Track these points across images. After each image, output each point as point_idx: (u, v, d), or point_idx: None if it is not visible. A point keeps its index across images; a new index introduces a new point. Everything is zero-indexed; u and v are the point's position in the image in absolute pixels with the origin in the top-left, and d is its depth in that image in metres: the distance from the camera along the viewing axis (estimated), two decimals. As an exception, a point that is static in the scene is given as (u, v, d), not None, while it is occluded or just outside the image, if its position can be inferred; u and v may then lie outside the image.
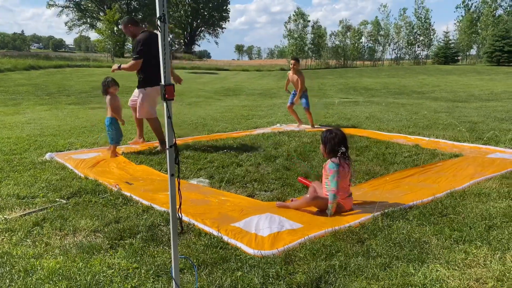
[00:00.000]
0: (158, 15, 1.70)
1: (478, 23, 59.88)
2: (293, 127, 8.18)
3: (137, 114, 6.09)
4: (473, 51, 64.80)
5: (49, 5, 68.83)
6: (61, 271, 2.50)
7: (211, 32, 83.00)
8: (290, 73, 8.29)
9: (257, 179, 4.53)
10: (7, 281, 2.41)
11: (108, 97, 5.62)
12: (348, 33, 61.91)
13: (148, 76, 5.77)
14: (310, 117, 8.19)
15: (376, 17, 63.25)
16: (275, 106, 12.76)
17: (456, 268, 2.51)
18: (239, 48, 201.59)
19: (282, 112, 10.87)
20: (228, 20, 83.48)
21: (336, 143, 3.49)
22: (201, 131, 7.69)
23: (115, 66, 5.98)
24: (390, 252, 2.72)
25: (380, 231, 3.05)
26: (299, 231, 3.06)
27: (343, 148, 3.47)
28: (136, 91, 6.11)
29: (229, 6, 79.95)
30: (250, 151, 5.78)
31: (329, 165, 3.46)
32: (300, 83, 8.08)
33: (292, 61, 8.32)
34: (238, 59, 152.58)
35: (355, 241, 2.90)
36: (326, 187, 3.52)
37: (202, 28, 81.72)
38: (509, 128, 7.61)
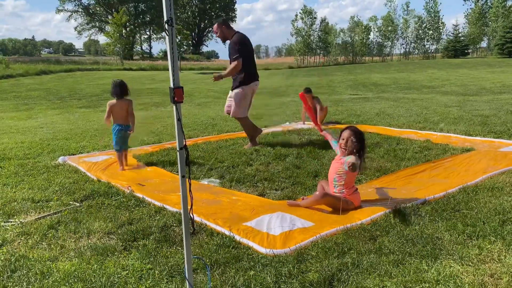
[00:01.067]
0: (165, 18, 1.72)
1: (487, 15, 59.09)
2: (302, 124, 8.17)
3: (232, 113, 6.15)
4: (483, 44, 64.01)
5: (58, 10, 69.73)
6: (76, 273, 2.54)
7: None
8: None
9: (268, 178, 4.54)
10: (24, 284, 2.46)
11: (129, 100, 5.25)
12: (357, 29, 61.51)
13: (245, 75, 5.95)
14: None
15: (389, 12, 62.48)
16: (284, 105, 12.75)
17: (470, 263, 2.50)
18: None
19: (291, 111, 10.86)
20: (235, 20, 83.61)
21: (357, 142, 3.50)
22: (210, 131, 7.72)
23: (216, 75, 5.99)
24: (402, 248, 2.71)
25: (392, 227, 3.04)
26: (310, 230, 3.06)
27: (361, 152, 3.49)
28: (231, 92, 6.16)
29: (236, 5, 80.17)
30: (259, 150, 5.79)
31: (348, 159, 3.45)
32: (319, 110, 8.09)
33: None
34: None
35: (367, 238, 2.89)
36: (335, 183, 3.54)
37: (210, 29, 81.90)
38: (522, 121, 7.51)
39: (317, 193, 3.61)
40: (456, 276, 2.36)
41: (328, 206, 3.52)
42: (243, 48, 5.90)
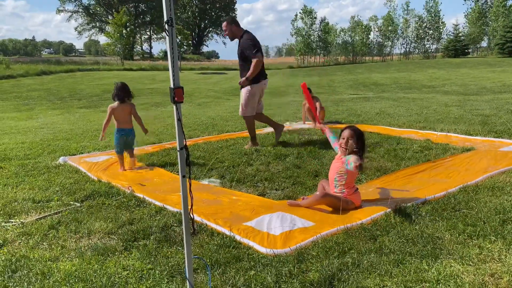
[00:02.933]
0: (165, 19, 1.72)
1: (488, 14, 59.03)
2: (302, 124, 8.17)
3: (240, 111, 6.14)
4: (483, 43, 63.96)
5: (59, 11, 69.74)
6: (77, 273, 2.54)
7: (219, 32, 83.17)
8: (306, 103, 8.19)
9: (268, 178, 4.54)
10: (25, 284, 2.46)
11: (132, 104, 5.23)
12: (357, 29, 61.49)
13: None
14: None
15: (389, 11, 62.48)
16: (284, 105, 12.75)
17: (471, 263, 2.50)
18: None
19: (291, 111, 10.86)
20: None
21: (357, 142, 3.48)
22: (211, 131, 7.72)
23: (243, 80, 5.88)
24: (403, 248, 2.71)
25: (393, 227, 3.04)
26: (311, 229, 3.07)
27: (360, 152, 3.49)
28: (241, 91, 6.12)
29: (236, 5, 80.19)
30: (260, 150, 5.79)
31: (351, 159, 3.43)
32: (319, 108, 7.88)
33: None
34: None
35: (367, 238, 2.90)
36: (335, 183, 3.53)
37: (210, 29, 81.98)
38: (522, 120, 7.51)
39: (318, 193, 3.62)
40: (457, 275, 2.36)
41: (329, 206, 3.52)
42: (258, 45, 5.86)
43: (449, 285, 2.28)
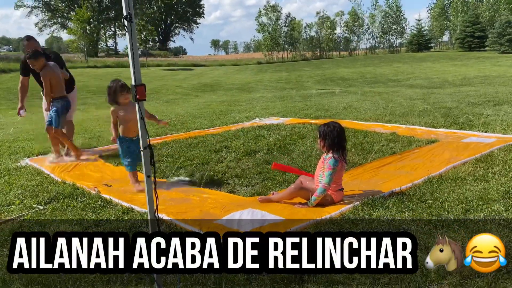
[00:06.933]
0: (124, 13, 1.66)
1: (449, 10, 61.02)
2: (272, 120, 8.18)
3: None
4: (445, 38, 66.10)
5: (17, 6, 66.94)
6: (40, 279, 2.45)
7: (186, 28, 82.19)
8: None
9: (238, 174, 4.52)
10: (-16, 293, 2.35)
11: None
12: (324, 24, 62.18)
13: None
14: (64, 139, 5.48)
15: (353, 7, 63.65)
16: (254, 101, 12.75)
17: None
18: (215, 43, 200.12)
19: (260, 106, 10.87)
20: (203, 16, 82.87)
21: (335, 136, 3.50)
22: (179, 129, 7.62)
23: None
24: (371, 240, 2.75)
25: (361, 220, 3.09)
26: (281, 225, 3.07)
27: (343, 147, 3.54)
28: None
29: (203, 1, 79.38)
30: (230, 147, 5.76)
31: (330, 161, 3.45)
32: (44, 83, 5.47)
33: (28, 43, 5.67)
34: (214, 54, 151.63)
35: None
36: (320, 179, 3.53)
37: (177, 24, 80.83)
38: (482, 113, 7.80)
39: (293, 185, 3.59)
40: (423, 265, 2.42)
41: (305, 199, 3.52)
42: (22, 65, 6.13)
43: (415, 275, 2.33)
